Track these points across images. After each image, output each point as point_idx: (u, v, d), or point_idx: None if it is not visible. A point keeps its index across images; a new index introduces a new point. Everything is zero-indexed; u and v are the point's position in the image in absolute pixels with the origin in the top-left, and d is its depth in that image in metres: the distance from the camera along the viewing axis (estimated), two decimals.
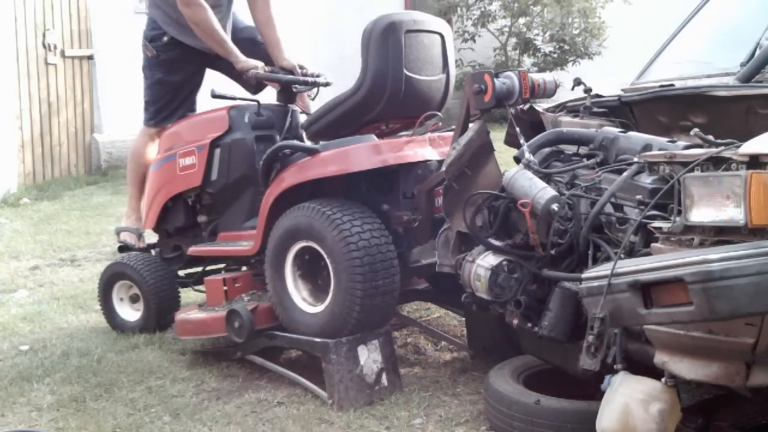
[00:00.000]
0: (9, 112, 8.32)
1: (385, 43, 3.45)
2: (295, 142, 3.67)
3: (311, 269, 3.40)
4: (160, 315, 4.07)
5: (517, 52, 13.04)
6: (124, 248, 4.51)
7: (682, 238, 2.27)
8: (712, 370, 2.26)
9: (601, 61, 12.82)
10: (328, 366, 3.18)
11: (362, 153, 3.34)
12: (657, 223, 2.38)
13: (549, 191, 2.71)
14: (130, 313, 4.19)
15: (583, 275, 2.36)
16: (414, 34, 3.54)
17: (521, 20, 12.84)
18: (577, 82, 3.33)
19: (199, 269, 4.23)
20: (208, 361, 3.67)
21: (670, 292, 2.09)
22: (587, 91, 3.28)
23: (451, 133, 3.40)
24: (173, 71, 4.36)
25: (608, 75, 10.15)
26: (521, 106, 3.29)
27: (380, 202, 3.45)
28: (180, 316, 3.76)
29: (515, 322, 2.79)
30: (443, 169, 3.08)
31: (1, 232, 6.80)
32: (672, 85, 3.08)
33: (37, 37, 8.66)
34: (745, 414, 2.63)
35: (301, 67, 4.14)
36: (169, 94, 4.39)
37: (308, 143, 3.86)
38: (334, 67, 7.18)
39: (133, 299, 4.19)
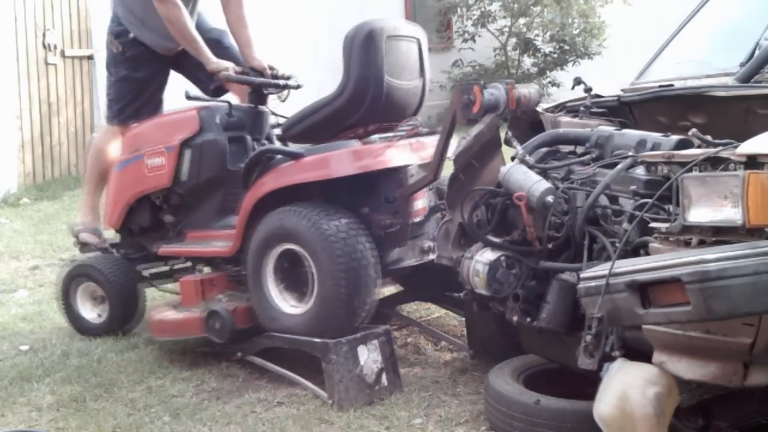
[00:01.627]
0: (9, 112, 8.33)
1: (367, 49, 3.50)
2: (280, 147, 3.71)
3: (292, 271, 3.44)
4: (124, 316, 4.07)
5: (517, 52, 13.04)
6: (85, 247, 4.45)
7: (681, 238, 2.28)
8: (710, 369, 2.27)
9: (601, 61, 12.83)
10: (328, 366, 3.18)
11: (344, 158, 3.38)
12: (655, 224, 2.39)
13: (544, 183, 2.74)
14: (93, 314, 4.17)
15: (581, 275, 2.36)
16: (394, 41, 3.60)
17: (521, 20, 12.84)
18: (577, 81, 3.36)
19: (162, 268, 4.25)
20: (208, 361, 3.67)
21: (668, 292, 2.09)
22: (587, 90, 3.31)
23: (431, 138, 3.51)
24: (138, 68, 4.29)
25: (608, 75, 10.16)
26: None
27: (361, 205, 3.49)
28: (156, 316, 3.76)
29: (515, 318, 2.80)
30: (452, 158, 3.12)
31: (1, 232, 6.81)
32: (671, 85, 3.09)
33: (37, 37, 8.65)
34: (746, 414, 2.63)
35: (272, 68, 4.16)
36: (133, 91, 4.33)
37: (291, 146, 3.90)
38: (334, 67, 7.17)
39: (97, 300, 4.16)
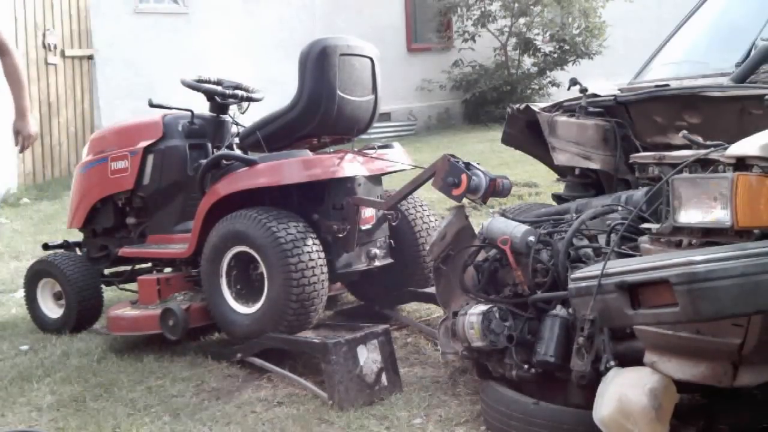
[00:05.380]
0: (9, 112, 8.32)
1: (321, 65, 3.65)
2: (236, 153, 3.84)
3: (245, 272, 3.58)
4: (81, 312, 4.16)
5: (517, 52, 13.05)
6: (48, 245, 4.58)
7: (671, 239, 2.28)
8: (700, 370, 2.28)
9: (602, 61, 12.84)
10: (327, 367, 3.19)
11: (295, 167, 3.55)
12: (647, 224, 2.42)
13: (523, 226, 2.90)
14: (53, 309, 4.28)
15: (572, 276, 2.37)
16: (347, 58, 3.76)
17: (521, 20, 12.84)
18: (573, 82, 3.41)
19: (123, 268, 4.38)
20: (208, 361, 3.67)
21: (656, 293, 2.11)
22: (583, 91, 3.34)
23: (382, 151, 3.80)
24: None
25: (609, 75, 10.16)
26: (517, 106, 3.56)
27: (311, 212, 3.65)
28: (113, 313, 3.88)
29: (514, 373, 2.85)
30: (428, 251, 3.33)
31: (1, 232, 6.81)
32: (667, 85, 3.10)
33: (37, 37, 8.66)
34: (747, 417, 2.63)
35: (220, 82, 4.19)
36: None
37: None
38: None
39: (57, 296, 4.27)
